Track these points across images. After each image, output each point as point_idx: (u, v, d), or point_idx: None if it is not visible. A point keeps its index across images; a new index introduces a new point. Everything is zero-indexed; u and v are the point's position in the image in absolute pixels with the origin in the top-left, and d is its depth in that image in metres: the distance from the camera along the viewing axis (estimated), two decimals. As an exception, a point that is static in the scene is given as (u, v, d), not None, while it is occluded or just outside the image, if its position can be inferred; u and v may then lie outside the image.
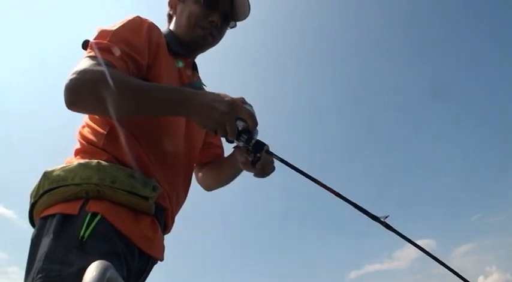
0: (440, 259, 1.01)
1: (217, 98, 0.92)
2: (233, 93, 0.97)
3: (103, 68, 0.93)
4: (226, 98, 0.92)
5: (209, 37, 1.25)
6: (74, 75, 0.91)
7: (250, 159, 1.04)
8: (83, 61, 0.96)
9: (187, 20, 1.23)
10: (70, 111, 1.09)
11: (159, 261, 1.11)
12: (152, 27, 1.15)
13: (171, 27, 1.29)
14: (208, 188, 1.44)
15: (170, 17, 1.33)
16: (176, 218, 1.20)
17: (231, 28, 1.32)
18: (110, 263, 0.71)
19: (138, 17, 1.14)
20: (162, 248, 1.10)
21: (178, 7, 1.29)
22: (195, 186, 1.41)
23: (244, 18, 1.32)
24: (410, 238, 0.90)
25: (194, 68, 1.35)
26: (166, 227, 1.14)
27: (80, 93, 0.92)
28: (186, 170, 1.21)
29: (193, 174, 1.39)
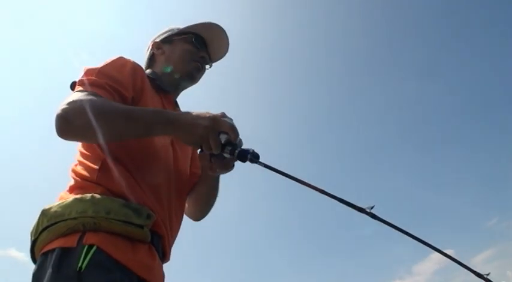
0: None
1: (198, 115, 0.98)
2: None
3: (91, 97, 1.00)
4: (207, 114, 0.98)
5: (202, 69, 1.40)
6: (64, 105, 0.98)
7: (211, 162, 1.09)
8: (72, 94, 1.03)
9: (182, 56, 1.37)
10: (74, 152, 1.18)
11: None
12: (136, 65, 1.24)
13: (157, 67, 1.40)
14: (194, 215, 1.43)
15: (152, 59, 1.44)
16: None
17: (209, 68, 1.47)
18: None
19: (121, 57, 1.23)
20: (161, 275, 1.11)
21: (165, 48, 1.41)
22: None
23: (220, 59, 1.50)
24: (399, 226, 0.92)
25: (176, 105, 1.44)
26: (164, 255, 1.16)
27: (70, 120, 0.97)
28: (178, 197, 1.24)
29: None
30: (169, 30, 1.43)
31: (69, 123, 0.98)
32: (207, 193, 1.37)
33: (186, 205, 1.40)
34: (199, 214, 1.43)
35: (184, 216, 1.34)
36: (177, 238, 1.26)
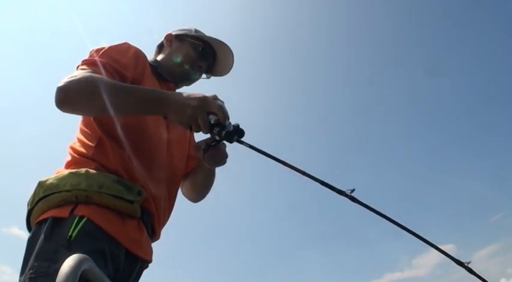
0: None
1: (189, 95, 1.01)
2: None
3: (90, 74, 1.06)
4: (198, 95, 1.00)
5: (193, 75, 1.45)
6: (65, 79, 1.04)
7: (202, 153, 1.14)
8: (75, 71, 1.09)
9: (181, 58, 1.41)
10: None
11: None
12: (139, 51, 1.29)
13: (160, 56, 1.46)
14: (191, 197, 1.48)
15: (160, 48, 1.50)
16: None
17: (206, 78, 1.53)
18: (88, 257, 0.76)
19: (126, 42, 1.29)
20: (149, 250, 1.16)
21: (174, 43, 1.46)
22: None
23: (221, 76, 1.54)
24: (379, 210, 0.91)
25: None
26: (154, 233, 1.19)
27: (70, 92, 1.03)
28: (170, 178, 1.27)
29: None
30: (187, 30, 1.48)
31: (67, 95, 1.03)
32: (203, 181, 1.42)
33: (185, 187, 1.45)
34: (197, 197, 1.48)
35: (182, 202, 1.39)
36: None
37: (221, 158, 1.21)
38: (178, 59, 1.41)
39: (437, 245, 1.02)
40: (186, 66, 1.41)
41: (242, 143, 1.04)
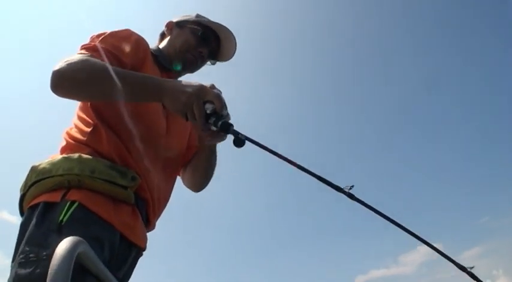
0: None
1: (186, 83, 0.99)
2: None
3: (87, 58, 1.04)
4: (195, 83, 0.99)
5: (194, 63, 1.41)
6: (61, 62, 1.01)
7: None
8: (71, 55, 1.06)
9: (182, 44, 1.38)
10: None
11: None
12: (140, 38, 1.27)
13: (162, 44, 1.44)
14: (193, 185, 1.45)
15: (162, 36, 1.48)
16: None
17: (211, 64, 1.49)
18: (83, 240, 0.72)
19: (128, 29, 1.27)
20: (144, 237, 1.14)
21: (174, 30, 1.44)
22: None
23: (226, 60, 1.50)
24: (376, 208, 0.89)
25: None
26: (148, 221, 1.18)
27: (64, 76, 1.01)
28: (167, 167, 1.26)
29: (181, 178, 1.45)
30: (187, 16, 1.45)
31: (62, 79, 1.01)
32: (202, 165, 1.39)
33: (186, 176, 1.44)
34: (198, 185, 1.45)
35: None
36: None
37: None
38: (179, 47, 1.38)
39: (435, 246, 1.01)
40: (186, 56, 1.38)
41: (238, 134, 0.99)
